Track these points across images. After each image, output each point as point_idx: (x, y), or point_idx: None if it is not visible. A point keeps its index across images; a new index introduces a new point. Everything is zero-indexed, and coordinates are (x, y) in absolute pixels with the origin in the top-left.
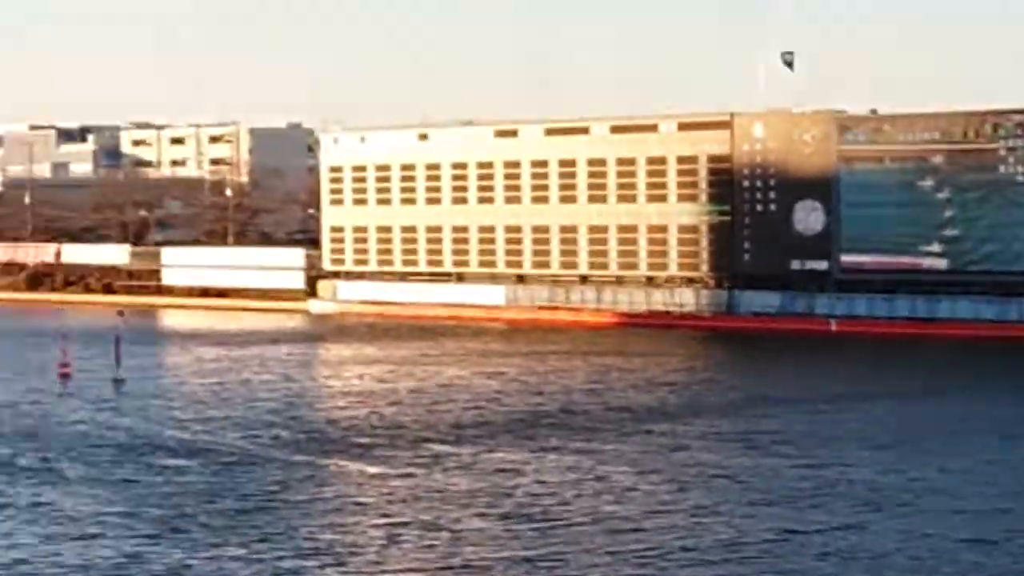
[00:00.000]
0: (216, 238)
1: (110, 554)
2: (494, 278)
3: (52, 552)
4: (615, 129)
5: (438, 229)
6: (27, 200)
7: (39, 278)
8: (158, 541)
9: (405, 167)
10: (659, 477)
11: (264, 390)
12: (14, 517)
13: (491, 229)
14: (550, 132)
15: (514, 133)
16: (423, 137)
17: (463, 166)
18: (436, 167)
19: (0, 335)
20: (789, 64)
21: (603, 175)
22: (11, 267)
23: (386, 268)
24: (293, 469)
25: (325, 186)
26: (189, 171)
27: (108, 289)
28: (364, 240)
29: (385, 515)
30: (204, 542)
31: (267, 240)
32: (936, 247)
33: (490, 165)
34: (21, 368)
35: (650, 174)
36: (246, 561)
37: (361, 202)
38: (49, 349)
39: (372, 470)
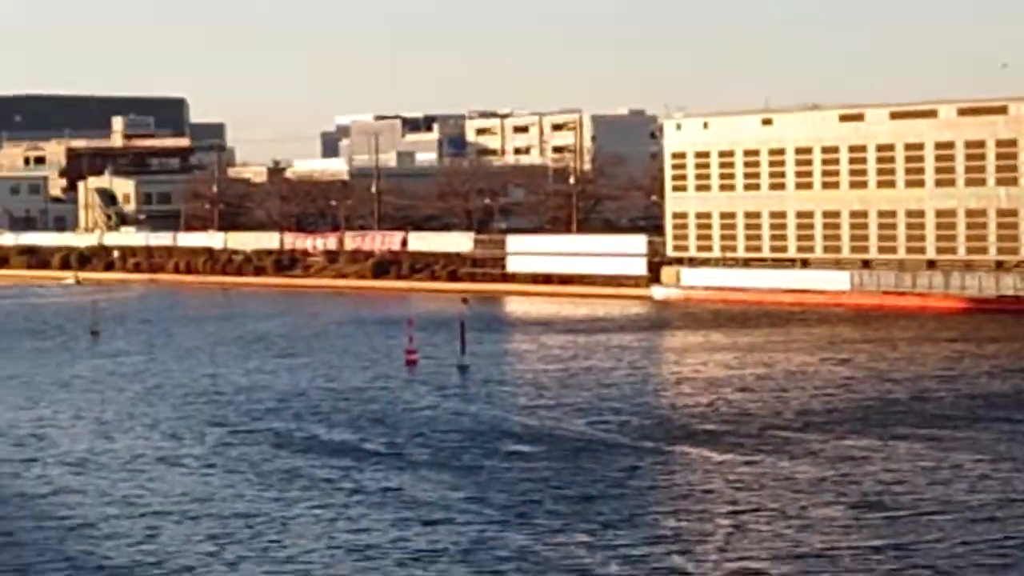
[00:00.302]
0: (559, 225)
1: (457, 539)
2: (839, 263)
3: (400, 537)
4: (963, 111)
5: (782, 215)
6: (373, 189)
7: (385, 266)
8: (504, 526)
9: (748, 152)
10: (1015, 465)
11: (609, 377)
12: (363, 502)
13: (836, 214)
14: (896, 115)
15: (860, 117)
16: (767, 122)
17: (807, 151)
18: (780, 152)
19: (348, 322)
20: None
21: (950, 158)
22: (358, 255)
23: (729, 254)
24: (639, 456)
25: (668, 172)
26: (532, 159)
27: (453, 276)
28: (707, 226)
29: (731, 502)
30: (550, 528)
31: (610, 227)
32: None
33: (835, 149)
34: (369, 355)
35: (999, 156)
36: (592, 547)
37: (704, 188)
38: (395, 336)
39: (718, 457)
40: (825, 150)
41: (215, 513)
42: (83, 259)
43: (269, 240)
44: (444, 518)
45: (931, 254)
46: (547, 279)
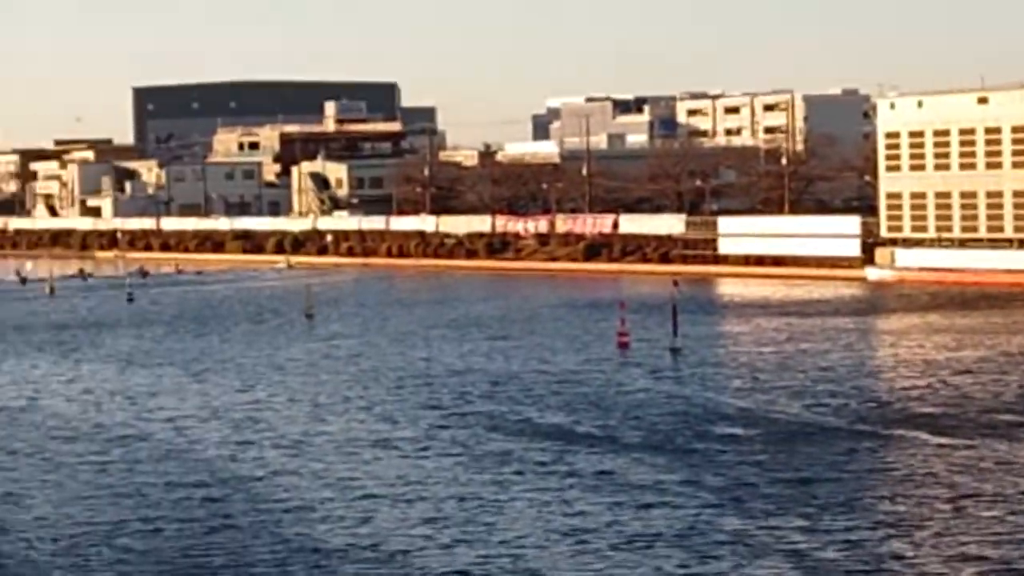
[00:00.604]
0: (771, 207)
1: (672, 523)
2: None
3: (614, 521)
4: None
5: (999, 194)
6: (584, 171)
7: (597, 248)
8: (719, 510)
9: (964, 131)
10: None
11: (824, 359)
12: (577, 485)
13: None
14: None
15: None
16: (982, 100)
17: None
18: (996, 131)
19: (559, 305)
20: None
21: None
22: (569, 238)
23: (945, 234)
24: (855, 439)
25: (881, 152)
26: (743, 140)
27: (664, 259)
28: (922, 206)
29: (950, 486)
30: (765, 511)
31: (822, 208)
32: None
33: None
34: (581, 337)
35: None
36: (808, 531)
37: (918, 168)
38: (607, 318)
39: (937, 441)
40: None
41: (429, 496)
42: (296, 243)
43: (481, 223)
44: (658, 501)
45: None
46: (759, 261)
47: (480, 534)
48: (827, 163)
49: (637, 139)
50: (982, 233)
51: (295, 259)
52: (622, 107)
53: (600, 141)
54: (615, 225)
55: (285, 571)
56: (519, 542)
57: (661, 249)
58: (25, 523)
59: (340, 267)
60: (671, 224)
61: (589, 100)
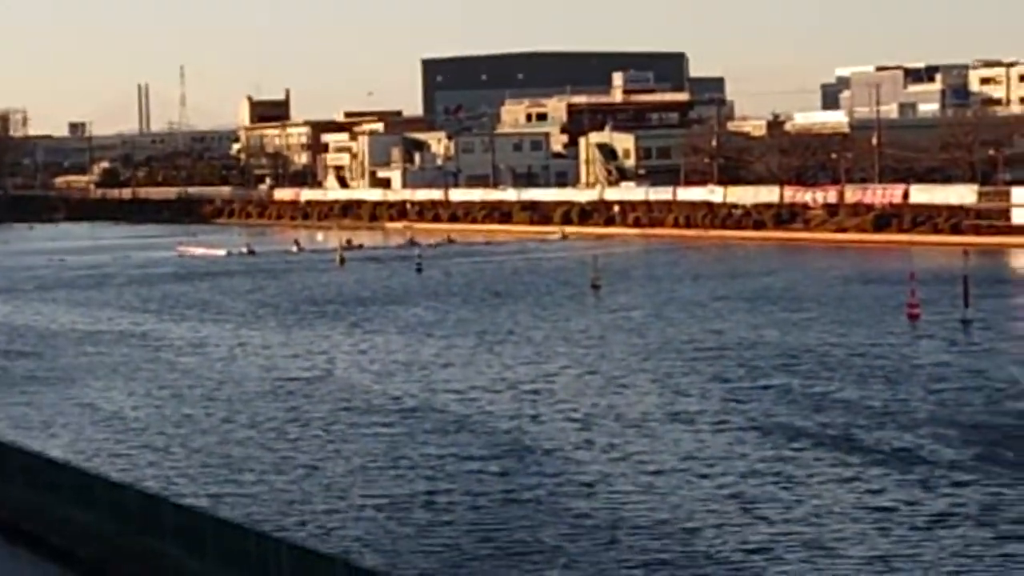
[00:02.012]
0: None
1: (970, 502)
2: None
3: (914, 500)
4: None
5: None
6: (874, 142)
7: (886, 219)
8: (1015, 489)
9: None
10: None
11: None
12: (871, 462)
13: None
14: None
15: None
16: None
17: None
18: None
19: (848, 276)
20: None
21: None
22: (858, 208)
23: None
24: None
25: None
26: None
27: (955, 229)
28: None
29: None
30: None
31: None
32: None
33: None
34: (871, 308)
35: None
36: None
37: None
38: (896, 290)
39: None
40: None
41: (722, 472)
42: (583, 214)
43: (769, 194)
44: (958, 480)
45: None
46: None
47: (774, 511)
48: None
49: (928, 108)
50: None
51: (569, 229)
52: (913, 76)
53: (891, 111)
54: (905, 195)
55: (577, 546)
56: (816, 520)
57: (952, 219)
58: (316, 494)
59: (616, 238)
60: (962, 194)
61: (879, 69)
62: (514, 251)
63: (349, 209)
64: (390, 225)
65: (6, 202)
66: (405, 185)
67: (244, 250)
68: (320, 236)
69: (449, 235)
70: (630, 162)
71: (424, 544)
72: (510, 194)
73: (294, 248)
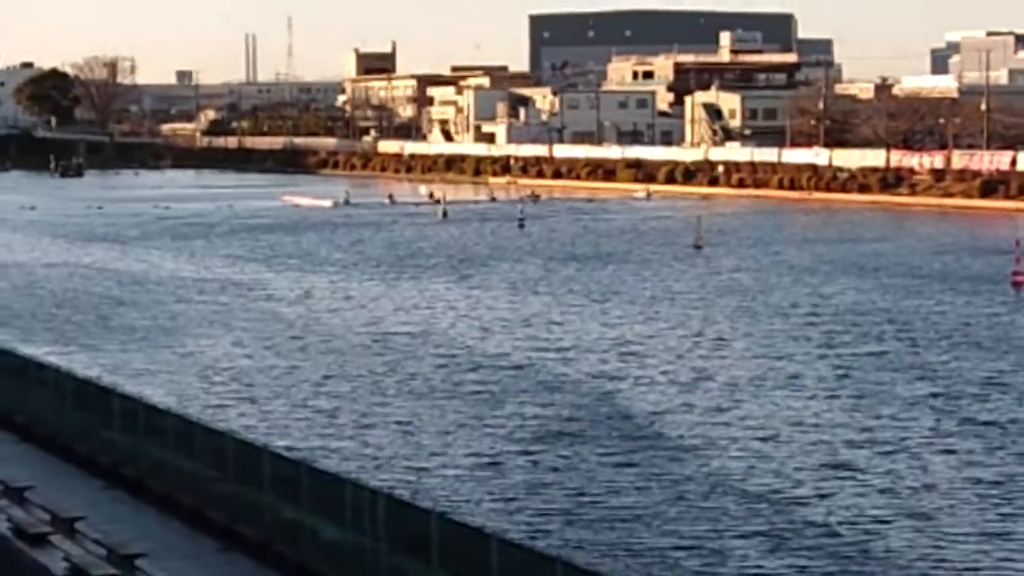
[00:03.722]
0: None
1: None
2: None
3: (1017, 473)
4: None
5: None
6: (983, 107)
7: (993, 185)
8: None
9: None
10: None
11: None
12: (970, 433)
13: None
14: None
15: None
16: None
17: None
18: None
19: (956, 242)
20: None
21: None
22: (965, 174)
23: None
24: None
25: None
26: None
27: None
28: None
29: None
30: None
31: None
32: None
33: None
34: (980, 275)
35: None
36: None
37: None
38: (1004, 257)
39: None
40: None
41: (828, 440)
42: (687, 174)
43: (875, 158)
44: None
45: None
46: None
47: (883, 477)
48: None
49: None
50: None
51: (653, 187)
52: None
53: (1000, 76)
54: (1013, 162)
55: (679, 510)
56: (918, 491)
57: None
58: (412, 454)
59: (720, 198)
60: None
61: (990, 34)
62: (610, 209)
63: (453, 163)
64: (493, 180)
65: (113, 148)
66: (510, 140)
67: (342, 200)
68: (423, 189)
69: (533, 191)
70: (735, 122)
71: (519, 504)
72: (614, 151)
73: (387, 200)
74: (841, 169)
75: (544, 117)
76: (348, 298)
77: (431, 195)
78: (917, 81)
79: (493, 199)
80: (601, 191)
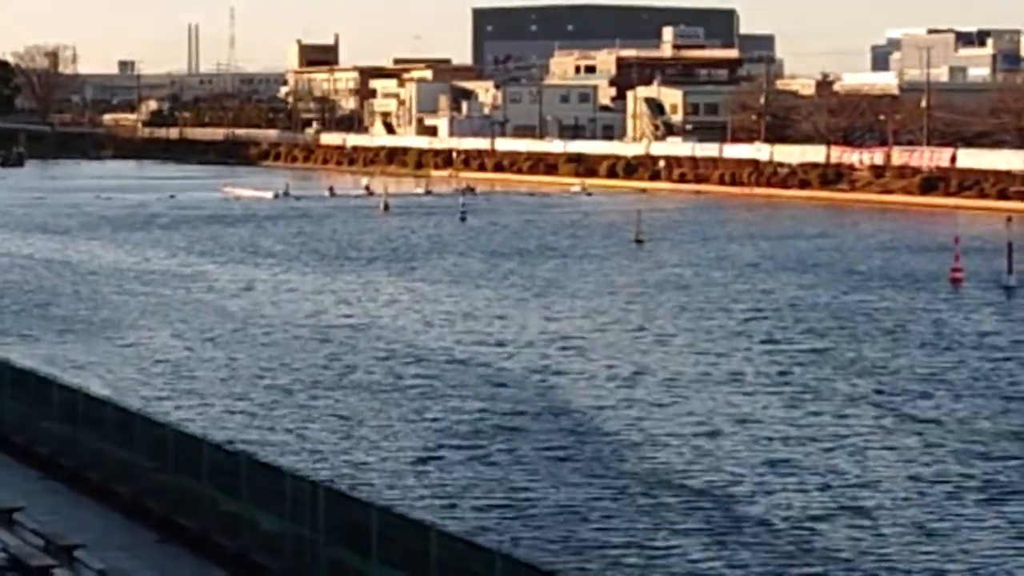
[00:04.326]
0: None
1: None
2: None
3: (965, 473)
4: None
5: None
6: (923, 104)
7: (933, 182)
8: None
9: None
10: None
11: None
12: (906, 430)
13: None
14: None
15: None
16: None
17: None
18: None
19: (894, 239)
20: None
21: None
22: (905, 171)
23: None
24: None
25: None
26: None
27: (1002, 195)
28: None
29: None
30: None
31: None
32: None
33: None
34: (915, 273)
35: None
36: None
37: None
38: (941, 254)
39: None
40: None
41: (770, 436)
42: (629, 168)
43: (815, 153)
44: (1006, 453)
45: None
46: None
47: (826, 475)
48: None
49: (979, 72)
50: None
51: (589, 182)
52: (965, 40)
53: (941, 74)
54: (952, 159)
55: (620, 505)
56: (854, 488)
57: (999, 185)
58: (351, 447)
59: (660, 193)
60: (1011, 160)
61: (931, 32)
62: (551, 203)
63: (395, 156)
64: (435, 173)
65: (54, 138)
66: (452, 133)
67: (281, 192)
68: (364, 181)
69: (468, 183)
70: (677, 117)
71: (458, 498)
72: (556, 145)
73: (326, 193)
74: (782, 165)
75: (486, 111)
76: (290, 290)
77: (367, 187)
78: (858, 78)
79: (429, 192)
80: (544, 184)
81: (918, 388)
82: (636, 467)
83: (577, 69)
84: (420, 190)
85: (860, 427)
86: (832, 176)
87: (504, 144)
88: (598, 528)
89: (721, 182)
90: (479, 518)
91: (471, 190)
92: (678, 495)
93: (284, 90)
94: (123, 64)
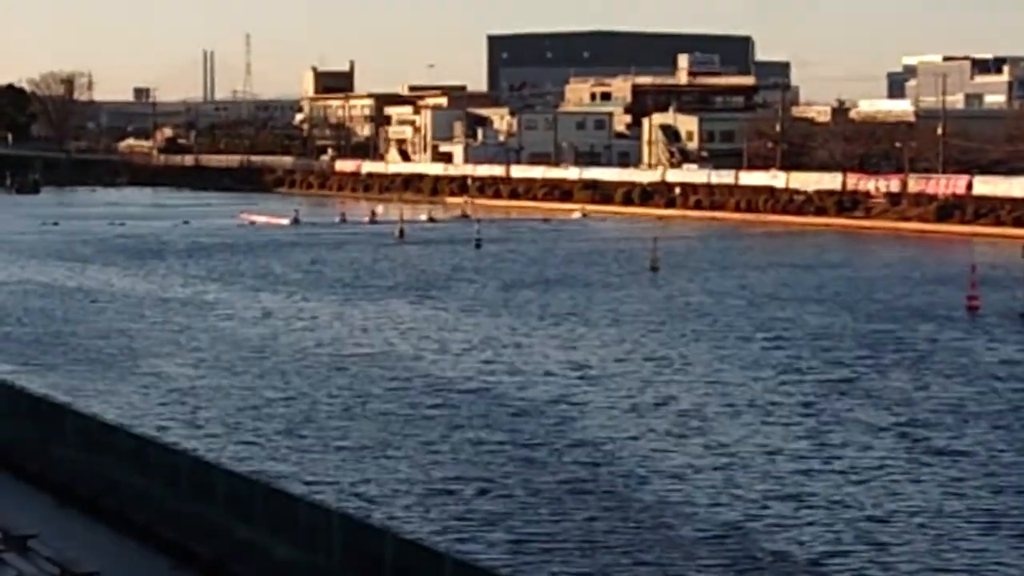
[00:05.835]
0: None
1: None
2: None
3: (974, 503)
4: None
5: None
6: (939, 131)
7: (949, 209)
8: None
9: None
10: None
11: None
12: (938, 463)
13: None
14: None
15: None
16: None
17: None
18: None
19: (913, 266)
20: None
21: None
22: (921, 198)
23: None
24: None
25: None
26: None
27: (1019, 222)
28: None
29: None
30: None
31: None
32: None
33: None
34: (929, 298)
35: None
36: None
37: None
38: (956, 281)
39: None
40: None
41: (787, 467)
42: (645, 195)
43: (831, 181)
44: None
45: None
46: None
47: (842, 510)
48: None
49: (995, 100)
50: None
51: (589, 207)
52: (981, 67)
53: (957, 101)
54: (969, 187)
55: (635, 536)
56: (873, 522)
57: (1016, 212)
58: (366, 478)
59: (676, 220)
60: None
61: (947, 59)
62: (567, 230)
63: (410, 183)
64: (450, 200)
65: (69, 165)
66: (467, 160)
67: (293, 218)
68: (380, 208)
69: (463, 210)
70: (693, 144)
71: (474, 528)
72: (571, 172)
73: (337, 219)
74: (798, 192)
75: (502, 137)
76: (307, 318)
77: (373, 214)
78: (874, 104)
79: (432, 219)
80: (542, 210)
81: (943, 419)
82: (654, 498)
83: (592, 96)
84: (423, 216)
85: (887, 458)
86: (848, 203)
87: (519, 171)
88: (616, 562)
89: (737, 209)
90: (494, 549)
91: (465, 216)
92: (697, 528)
93: (299, 117)
94: (139, 91)
